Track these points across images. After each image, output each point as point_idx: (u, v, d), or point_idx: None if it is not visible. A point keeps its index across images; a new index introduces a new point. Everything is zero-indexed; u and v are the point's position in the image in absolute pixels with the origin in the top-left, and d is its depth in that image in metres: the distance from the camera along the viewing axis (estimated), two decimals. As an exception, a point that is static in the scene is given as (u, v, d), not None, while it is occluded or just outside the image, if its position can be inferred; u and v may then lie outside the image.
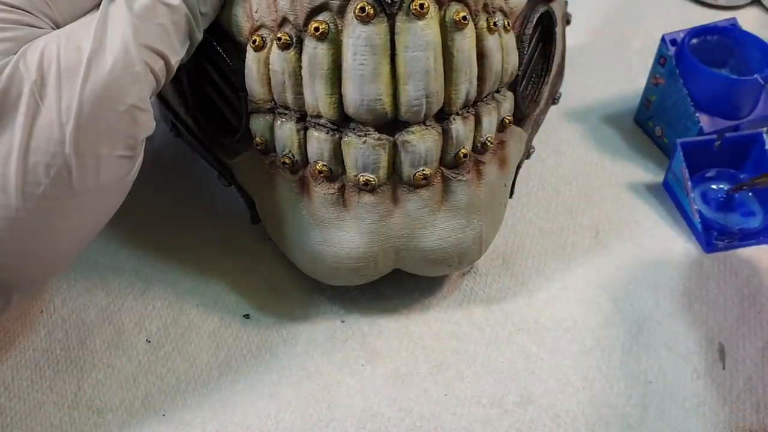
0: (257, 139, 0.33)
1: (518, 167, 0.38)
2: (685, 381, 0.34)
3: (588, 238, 0.41)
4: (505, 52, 0.32)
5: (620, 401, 0.33)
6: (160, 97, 0.39)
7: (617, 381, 0.34)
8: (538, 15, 0.34)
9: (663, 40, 0.44)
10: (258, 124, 0.33)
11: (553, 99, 0.41)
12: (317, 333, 0.36)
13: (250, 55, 0.31)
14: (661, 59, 0.44)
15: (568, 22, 0.42)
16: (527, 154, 0.39)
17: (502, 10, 0.32)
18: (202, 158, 0.38)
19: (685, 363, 0.35)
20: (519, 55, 0.33)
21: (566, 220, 0.42)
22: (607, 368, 0.34)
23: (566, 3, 0.41)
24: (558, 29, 0.37)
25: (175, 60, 0.29)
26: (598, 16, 0.57)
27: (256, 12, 0.30)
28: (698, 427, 0.32)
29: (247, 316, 0.37)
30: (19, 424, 0.32)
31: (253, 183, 0.36)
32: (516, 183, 0.39)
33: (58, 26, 0.28)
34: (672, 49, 0.43)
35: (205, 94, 0.35)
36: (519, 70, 0.34)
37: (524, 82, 0.35)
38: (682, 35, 0.44)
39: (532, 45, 0.35)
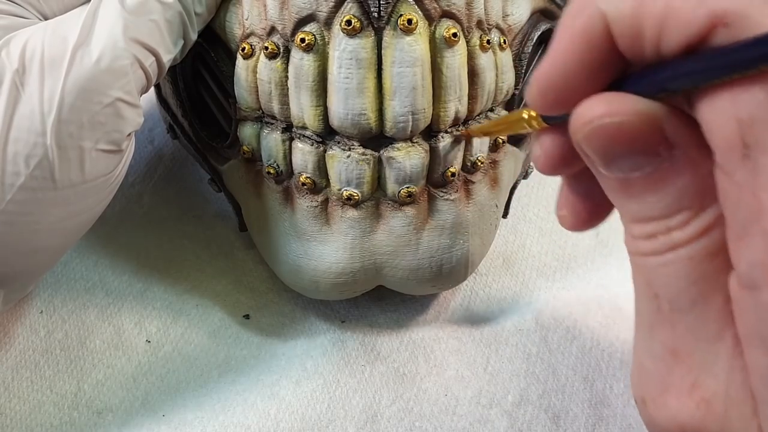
0: (244, 147, 0.33)
1: (514, 187, 0.37)
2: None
3: (588, 238, 0.41)
4: (500, 71, 0.31)
5: (620, 401, 0.33)
6: (161, 98, 0.39)
7: (617, 381, 0.34)
8: (539, 33, 0.33)
9: None
10: (246, 132, 0.32)
11: None
12: (317, 333, 0.36)
13: (240, 63, 0.31)
14: None
15: None
16: (525, 174, 0.38)
17: (499, 28, 0.31)
18: (196, 162, 0.38)
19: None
20: (517, 73, 0.33)
21: (566, 219, 0.42)
22: (607, 368, 0.34)
23: None
24: None
25: (168, 58, 0.28)
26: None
27: (246, 19, 0.30)
28: (698, 427, 0.32)
29: (247, 317, 0.37)
30: (19, 424, 0.32)
31: (239, 190, 0.35)
32: (511, 202, 0.38)
33: (46, 19, 0.28)
34: None
35: (201, 98, 0.35)
36: (517, 89, 0.33)
37: (524, 101, 0.35)
38: None
39: (534, 64, 0.34)
